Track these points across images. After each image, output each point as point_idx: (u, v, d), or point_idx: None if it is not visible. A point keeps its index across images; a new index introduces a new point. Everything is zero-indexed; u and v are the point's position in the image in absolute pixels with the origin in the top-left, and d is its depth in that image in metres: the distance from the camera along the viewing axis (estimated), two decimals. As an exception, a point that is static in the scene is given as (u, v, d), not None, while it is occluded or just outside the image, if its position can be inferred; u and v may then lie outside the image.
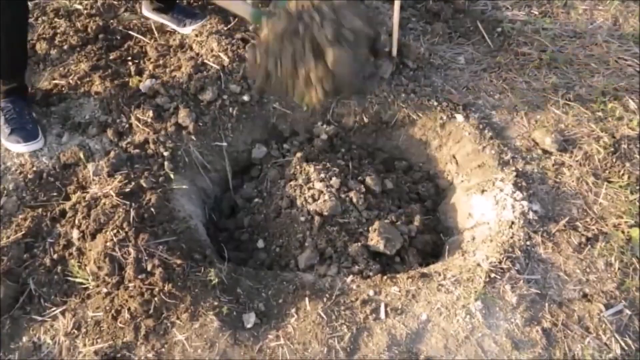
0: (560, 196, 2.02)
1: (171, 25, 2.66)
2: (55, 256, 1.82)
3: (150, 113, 2.24)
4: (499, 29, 2.74)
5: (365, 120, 2.40)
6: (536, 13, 2.85)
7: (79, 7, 2.80)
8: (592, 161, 2.14)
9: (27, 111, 2.21)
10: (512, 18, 2.82)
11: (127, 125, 2.23)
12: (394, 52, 2.46)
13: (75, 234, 1.86)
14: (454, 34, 2.74)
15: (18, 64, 2.19)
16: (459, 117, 2.31)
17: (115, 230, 1.83)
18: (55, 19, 2.73)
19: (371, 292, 1.77)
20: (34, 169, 2.07)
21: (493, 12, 2.86)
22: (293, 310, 1.73)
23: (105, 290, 1.72)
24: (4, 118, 2.16)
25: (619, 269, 1.82)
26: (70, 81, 2.42)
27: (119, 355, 1.61)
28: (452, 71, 2.54)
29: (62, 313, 1.70)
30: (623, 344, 1.66)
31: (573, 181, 2.07)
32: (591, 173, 2.09)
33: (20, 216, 1.93)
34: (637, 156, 2.15)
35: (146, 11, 2.71)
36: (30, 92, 2.35)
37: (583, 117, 2.29)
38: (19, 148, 2.11)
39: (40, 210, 1.94)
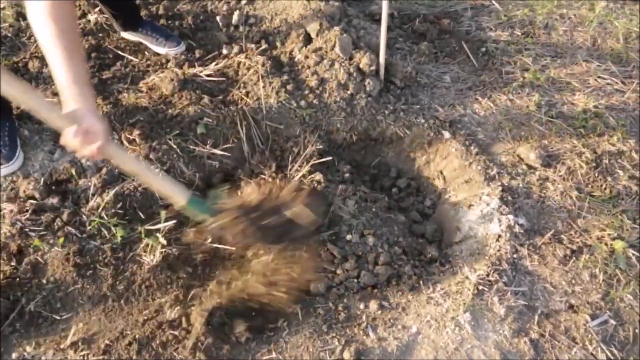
0: (545, 210, 2.07)
1: (148, 44, 2.69)
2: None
3: (142, 129, 2.27)
4: (483, 49, 2.82)
5: (354, 137, 2.45)
6: (519, 34, 2.94)
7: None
8: (575, 176, 2.20)
9: (6, 132, 2.18)
10: (495, 38, 2.91)
11: (118, 142, 2.25)
12: (381, 71, 2.52)
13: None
14: (439, 54, 2.82)
15: None
16: (446, 134, 2.37)
17: (107, 246, 1.84)
18: (48, 38, 2.75)
19: (362, 306, 1.79)
20: (25, 188, 2.08)
21: (477, 33, 2.95)
22: (285, 324, 1.74)
23: (97, 305, 1.73)
24: None
25: (603, 280, 1.86)
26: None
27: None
28: (439, 89, 2.61)
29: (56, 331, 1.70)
30: (609, 354, 1.70)
31: (557, 195, 2.12)
32: (574, 187, 2.15)
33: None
34: (619, 171, 2.22)
35: (124, 34, 2.73)
36: (22, 110, 2.37)
37: (565, 134, 2.36)
38: (4, 171, 2.11)
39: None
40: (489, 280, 1.81)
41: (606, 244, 1.94)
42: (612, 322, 1.77)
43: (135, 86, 2.54)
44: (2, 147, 2.13)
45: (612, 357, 1.69)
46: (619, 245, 1.93)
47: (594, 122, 2.41)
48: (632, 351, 1.73)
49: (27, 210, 1.98)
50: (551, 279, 1.86)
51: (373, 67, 2.48)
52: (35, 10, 1.50)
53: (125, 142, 2.24)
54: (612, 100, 2.55)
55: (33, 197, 2.04)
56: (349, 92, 2.44)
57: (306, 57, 2.55)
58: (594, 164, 2.23)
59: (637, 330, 1.76)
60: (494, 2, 3.12)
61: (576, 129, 2.38)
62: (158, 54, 2.70)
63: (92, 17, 2.87)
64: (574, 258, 1.91)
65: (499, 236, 1.94)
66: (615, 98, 2.57)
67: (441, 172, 2.33)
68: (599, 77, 2.69)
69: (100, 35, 2.80)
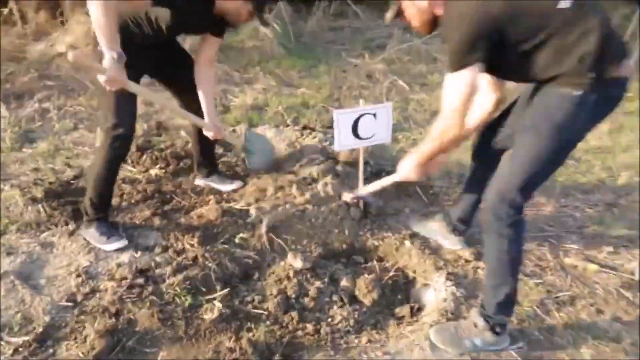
0: (478, 285, 3.04)
1: (220, 187, 3.82)
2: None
3: (198, 239, 3.26)
4: (431, 191, 4.03)
5: (344, 247, 3.47)
6: (455, 182, 4.19)
7: (139, 176, 3.99)
8: (497, 266, 3.21)
9: (112, 224, 3.27)
10: (440, 184, 4.14)
11: (182, 247, 3.23)
12: (361, 206, 3.65)
13: (154, 308, 2.72)
14: (402, 194, 4.00)
15: (110, 198, 3.27)
16: (407, 243, 3.41)
17: (183, 304, 2.71)
18: (122, 184, 3.86)
19: (356, 340, 2.63)
20: (119, 273, 2.98)
21: (426, 181, 4.19)
22: (306, 352, 2.55)
23: None
24: (99, 233, 3.16)
25: (516, 325, 2.77)
26: (136, 222, 3.47)
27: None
28: (402, 216, 3.72)
29: None
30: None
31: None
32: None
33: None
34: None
35: (199, 181, 3.88)
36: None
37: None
38: (115, 246, 3.13)
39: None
40: (440, 321, 2.71)
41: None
42: None
43: (188, 215, 3.59)
44: (114, 231, 3.22)
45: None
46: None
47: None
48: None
49: (123, 286, 2.87)
50: (483, 325, 2.76)
51: (355, 200, 3.62)
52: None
53: (187, 245, 3.21)
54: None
55: (126, 278, 2.93)
56: (339, 217, 3.54)
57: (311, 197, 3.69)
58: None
59: None
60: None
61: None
62: (201, 195, 3.82)
63: (153, 172, 4.05)
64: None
65: (445, 299, 2.88)
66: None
67: (406, 266, 3.31)
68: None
69: (159, 182, 3.94)
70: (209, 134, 3.46)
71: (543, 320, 2.81)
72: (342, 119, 3.23)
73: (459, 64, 2.16)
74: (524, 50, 2.17)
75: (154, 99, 3.20)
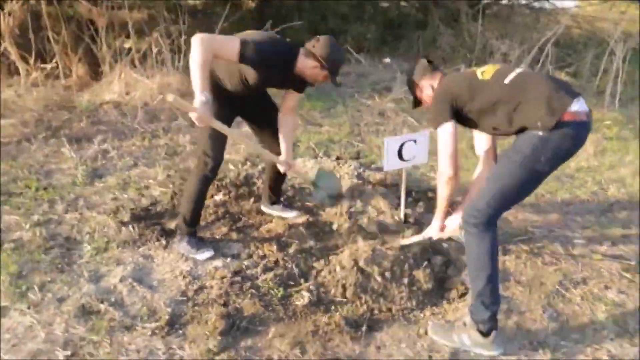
0: (507, 272, 3.74)
1: (282, 214, 4.45)
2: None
3: (276, 247, 3.93)
4: (455, 206, 4.77)
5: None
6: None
7: (207, 202, 4.65)
8: (521, 259, 3.94)
9: (199, 238, 3.93)
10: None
11: (263, 253, 3.88)
12: (402, 215, 4.37)
13: (256, 297, 3.36)
14: (434, 209, 4.74)
15: (199, 216, 3.92)
16: (445, 245, 4.12)
17: (280, 293, 3.36)
18: (195, 209, 4.53)
19: (421, 314, 3.30)
20: (219, 273, 3.61)
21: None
22: (385, 325, 3.20)
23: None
24: (190, 246, 3.80)
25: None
26: (217, 236, 4.12)
27: None
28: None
29: (259, 335, 3.11)
30: None
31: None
32: (521, 263, 3.87)
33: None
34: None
35: (264, 208, 4.54)
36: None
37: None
38: (206, 256, 3.78)
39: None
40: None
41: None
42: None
43: (259, 230, 4.26)
44: (205, 244, 3.86)
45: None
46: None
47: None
48: None
49: (225, 283, 3.50)
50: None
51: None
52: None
53: (267, 252, 3.87)
54: None
55: (225, 277, 3.57)
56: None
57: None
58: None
59: None
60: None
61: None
62: (264, 214, 4.49)
63: (217, 198, 4.73)
64: (528, 291, 3.54)
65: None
66: None
67: (447, 261, 4.02)
68: None
69: (225, 206, 4.61)
70: (281, 168, 3.95)
71: (564, 295, 3.53)
72: (391, 144, 3.99)
73: (436, 122, 3.03)
74: (484, 112, 2.95)
75: (234, 136, 3.82)
